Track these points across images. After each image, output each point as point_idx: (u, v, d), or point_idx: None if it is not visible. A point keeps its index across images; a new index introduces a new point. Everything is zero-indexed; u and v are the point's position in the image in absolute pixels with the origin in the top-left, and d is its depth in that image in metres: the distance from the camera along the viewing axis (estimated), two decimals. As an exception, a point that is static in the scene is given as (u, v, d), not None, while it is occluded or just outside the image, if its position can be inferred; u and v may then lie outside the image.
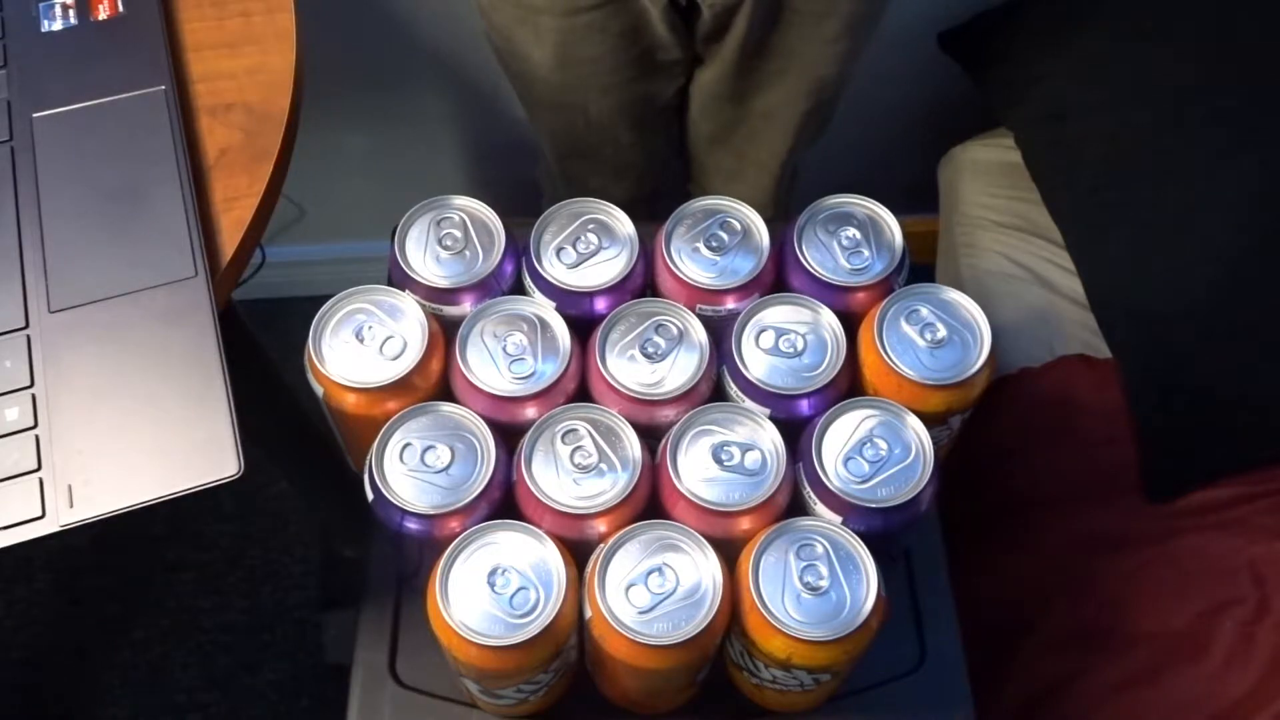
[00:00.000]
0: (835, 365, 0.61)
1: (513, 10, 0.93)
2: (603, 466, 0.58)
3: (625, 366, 0.61)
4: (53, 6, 0.71)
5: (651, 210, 1.11)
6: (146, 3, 0.71)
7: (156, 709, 1.30)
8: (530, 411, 0.60)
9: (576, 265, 0.64)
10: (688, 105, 1.05)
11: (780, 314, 0.62)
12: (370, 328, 0.61)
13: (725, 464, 0.58)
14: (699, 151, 1.10)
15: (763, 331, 0.62)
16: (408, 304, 0.62)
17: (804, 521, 0.57)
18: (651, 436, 0.60)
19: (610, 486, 0.57)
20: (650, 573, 0.55)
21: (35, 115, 0.67)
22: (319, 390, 0.61)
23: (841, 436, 0.59)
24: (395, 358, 0.60)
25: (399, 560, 0.68)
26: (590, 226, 0.65)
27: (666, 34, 0.93)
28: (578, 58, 0.94)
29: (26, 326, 0.60)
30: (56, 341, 0.59)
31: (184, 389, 0.58)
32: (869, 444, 0.59)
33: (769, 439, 0.59)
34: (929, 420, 0.60)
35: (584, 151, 1.07)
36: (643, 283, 0.65)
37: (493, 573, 0.55)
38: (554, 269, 0.64)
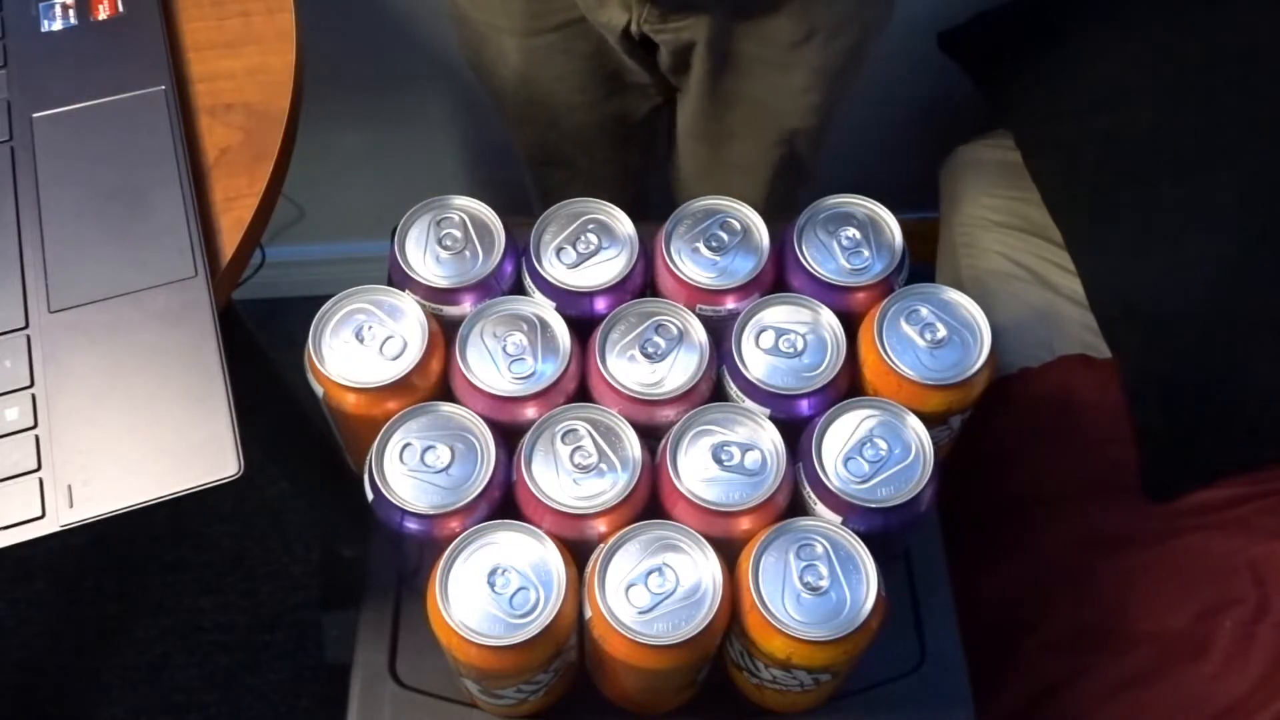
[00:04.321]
0: (835, 365, 0.61)
1: (478, 28, 0.92)
2: (603, 466, 0.58)
3: (625, 366, 0.61)
4: (53, 6, 0.71)
5: (640, 210, 1.10)
6: (146, 3, 0.71)
7: (156, 709, 1.30)
8: (530, 411, 0.60)
9: (576, 265, 0.64)
10: (674, 135, 1.02)
11: (780, 314, 0.62)
12: (370, 328, 0.61)
13: (725, 464, 0.58)
14: (683, 187, 1.08)
15: (763, 331, 0.62)
16: (408, 304, 0.62)
17: (804, 521, 0.57)
18: (651, 436, 0.60)
19: (610, 486, 0.57)
20: (650, 573, 0.55)
21: (35, 115, 0.67)
22: (319, 390, 0.61)
23: (841, 436, 0.59)
24: (395, 358, 0.60)
25: (399, 560, 0.68)
26: (590, 226, 0.65)
27: (629, 60, 0.92)
28: (543, 76, 0.94)
29: (26, 326, 0.60)
30: (56, 341, 0.59)
31: (184, 389, 0.58)
32: (869, 444, 0.59)
33: (769, 439, 0.59)
34: (929, 420, 0.60)
35: (559, 162, 1.06)
36: (643, 283, 0.65)
37: (493, 573, 0.55)
38: (554, 269, 0.63)
